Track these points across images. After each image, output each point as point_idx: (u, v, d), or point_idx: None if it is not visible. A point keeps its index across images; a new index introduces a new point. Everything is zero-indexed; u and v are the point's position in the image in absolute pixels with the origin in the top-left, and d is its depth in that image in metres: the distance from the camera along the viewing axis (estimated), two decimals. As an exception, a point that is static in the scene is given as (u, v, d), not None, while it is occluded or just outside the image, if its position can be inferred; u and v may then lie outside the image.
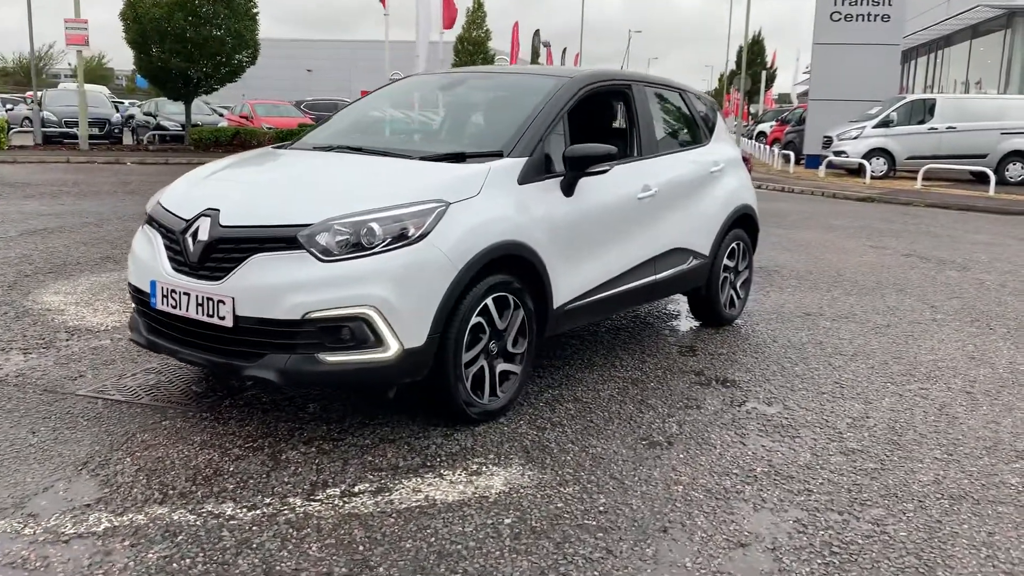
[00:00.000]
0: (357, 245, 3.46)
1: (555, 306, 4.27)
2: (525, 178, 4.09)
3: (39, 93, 23.93)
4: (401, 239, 3.51)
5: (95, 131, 22.16)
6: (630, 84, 5.12)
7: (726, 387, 4.67)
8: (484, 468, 3.47)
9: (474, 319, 3.76)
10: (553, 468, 3.50)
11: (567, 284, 4.34)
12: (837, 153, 21.10)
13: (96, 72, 72.52)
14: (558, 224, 4.22)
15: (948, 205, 15.76)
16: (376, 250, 3.46)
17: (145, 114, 25.26)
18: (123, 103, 35.23)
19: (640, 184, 4.90)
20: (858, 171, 20.53)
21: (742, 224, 6.05)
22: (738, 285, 6.13)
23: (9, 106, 26.31)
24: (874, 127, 20.71)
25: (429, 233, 3.56)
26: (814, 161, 22.81)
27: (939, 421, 4.26)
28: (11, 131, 21.65)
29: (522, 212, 4.02)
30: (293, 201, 3.68)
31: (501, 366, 4.00)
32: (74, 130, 21.37)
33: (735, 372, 4.96)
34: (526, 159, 4.12)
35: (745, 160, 6.32)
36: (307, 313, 3.39)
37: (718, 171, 5.77)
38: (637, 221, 4.88)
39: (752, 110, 58.00)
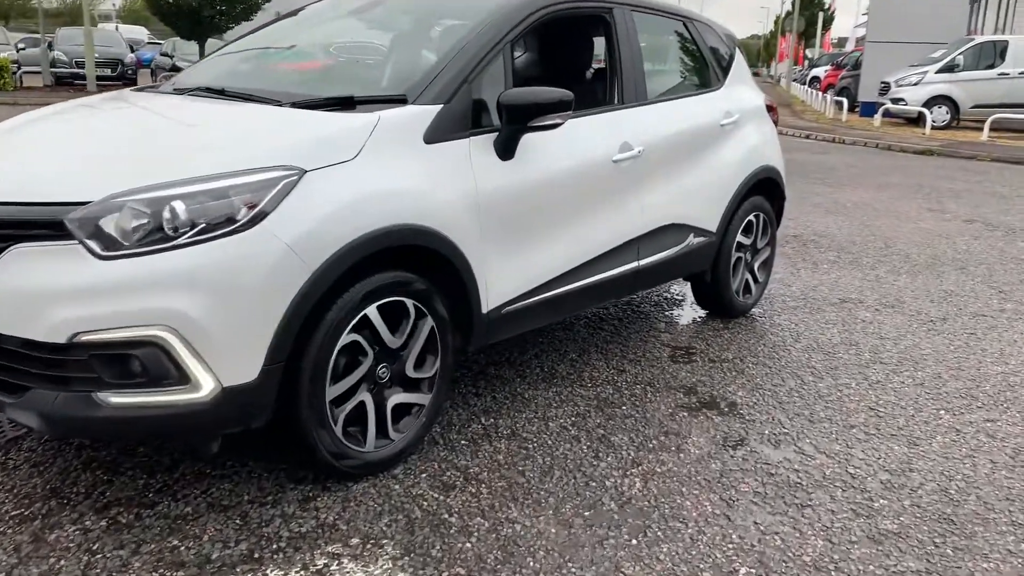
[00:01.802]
0: (157, 233, 2.35)
1: (486, 309, 3.13)
2: (438, 134, 2.93)
3: (56, 32, 23.05)
4: (222, 225, 2.39)
5: (107, 72, 21.24)
6: (610, 8, 3.87)
7: (721, 415, 3.50)
8: (334, 565, 2.37)
9: (346, 337, 2.65)
10: (439, 566, 2.39)
11: (505, 279, 3.19)
12: (895, 100, 19.37)
13: (139, 13, 71.74)
14: (490, 198, 3.06)
15: (1019, 160, 14.14)
16: (181, 241, 2.35)
17: (162, 55, 24.27)
18: (160, 43, 34.31)
19: (618, 142, 3.69)
20: (917, 120, 18.82)
21: (763, 191, 4.81)
22: (755, 267, 4.91)
23: (22, 45, 25.48)
24: (937, 72, 18.92)
25: (266, 216, 2.44)
26: (870, 109, 21.07)
27: (1013, 479, 3.06)
28: (21, 71, 20.83)
29: (431, 183, 2.87)
30: (73, 170, 2.57)
31: (397, 397, 2.89)
32: (84, 71, 20.47)
33: (737, 390, 3.78)
34: (440, 107, 2.95)
35: (771, 108, 5.03)
36: (76, 335, 2.30)
37: (732, 123, 4.51)
38: (612, 191, 3.68)
39: (808, 54, 55.26)
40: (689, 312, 5.00)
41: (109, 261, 2.32)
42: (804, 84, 34.83)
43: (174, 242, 2.34)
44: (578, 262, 3.54)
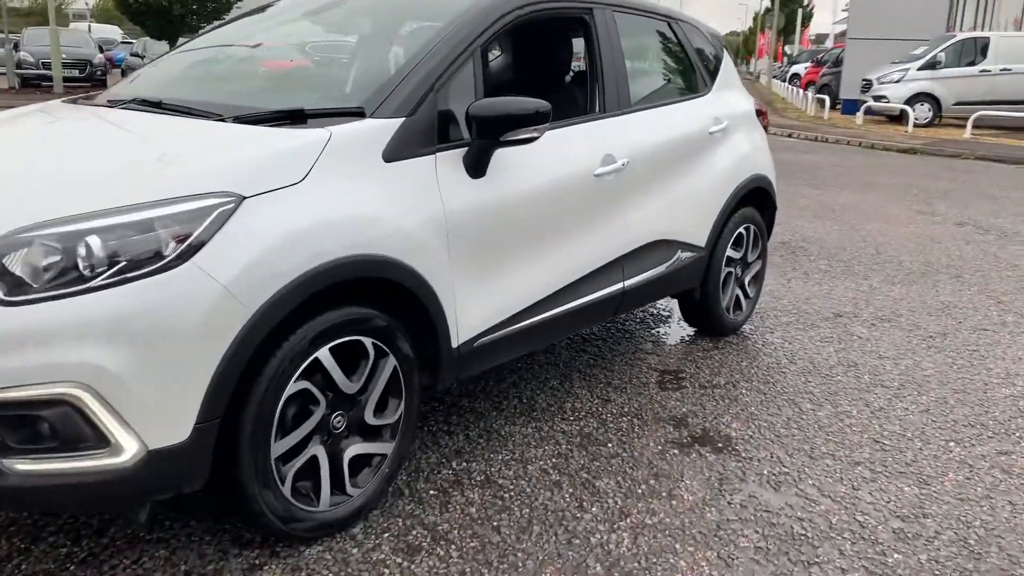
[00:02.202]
0: (70, 273, 2.03)
1: (456, 343, 2.83)
2: (399, 151, 2.62)
3: (23, 32, 22.47)
4: (146, 263, 2.07)
5: (75, 73, 20.71)
6: (590, 8, 3.57)
7: (715, 451, 3.21)
8: (278, 655, 2.06)
9: (294, 385, 2.34)
10: (399, 651, 2.08)
11: (477, 309, 2.89)
12: (877, 98, 19.22)
13: (112, 12, 70.62)
14: (460, 221, 2.76)
15: (1002, 158, 13.97)
16: (98, 283, 2.03)
17: (132, 55, 23.74)
18: (132, 43, 33.68)
19: (600, 154, 3.39)
20: (899, 118, 18.68)
21: (753, 201, 4.52)
22: (746, 281, 4.63)
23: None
24: (919, 69, 18.76)
25: (198, 250, 2.11)
26: (851, 107, 20.92)
27: (1036, 525, 2.79)
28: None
29: (392, 206, 2.56)
30: (-25, 199, 2.23)
31: (355, 448, 2.58)
32: (51, 72, 19.93)
33: (731, 421, 3.49)
34: (402, 121, 2.64)
35: (760, 113, 4.75)
36: (-28, 394, 1.97)
37: (721, 131, 4.22)
38: (594, 208, 3.38)
39: (787, 50, 55.32)
40: (677, 330, 4.70)
41: (13, 307, 1.99)
42: (784, 81, 34.73)
43: (90, 284, 2.02)
44: (558, 286, 3.24)
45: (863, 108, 19.35)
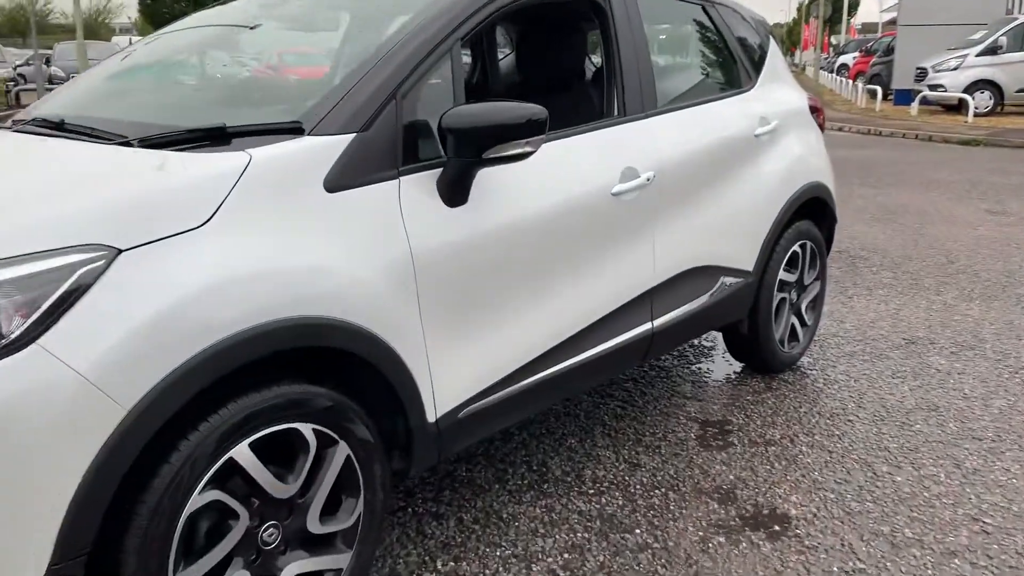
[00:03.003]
0: None
1: (434, 417, 2.22)
2: (348, 176, 2.02)
3: (54, 47, 22.40)
4: (-30, 348, 1.49)
5: (107, 86, 20.46)
6: (604, -10, 2.93)
7: (772, 538, 2.56)
8: None
9: (200, 497, 1.75)
10: None
11: (462, 372, 2.28)
12: (933, 87, 18.19)
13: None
14: (433, 263, 2.15)
15: (1075, 148, 12.95)
16: (-101, 379, 1.46)
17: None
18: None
19: (618, 168, 2.75)
20: (958, 107, 17.64)
21: (809, 213, 3.84)
22: (803, 307, 3.94)
23: (24, 61, 24.90)
24: (978, 55, 17.70)
25: (48, 328, 1.53)
26: (904, 97, 19.89)
27: None
28: (16, 88, 20.21)
29: (337, 251, 1.96)
30: None
31: (297, 567, 1.97)
32: (83, 86, 19.70)
33: (790, 493, 2.83)
34: (351, 138, 2.04)
35: (815, 110, 4.06)
36: None
37: (769, 133, 3.54)
38: (613, 233, 2.74)
39: (833, 41, 53.81)
40: (721, 366, 4.04)
41: None
42: (832, 72, 33.58)
43: None
44: (568, 334, 2.61)
45: (918, 98, 18.33)
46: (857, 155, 12.51)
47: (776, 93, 3.74)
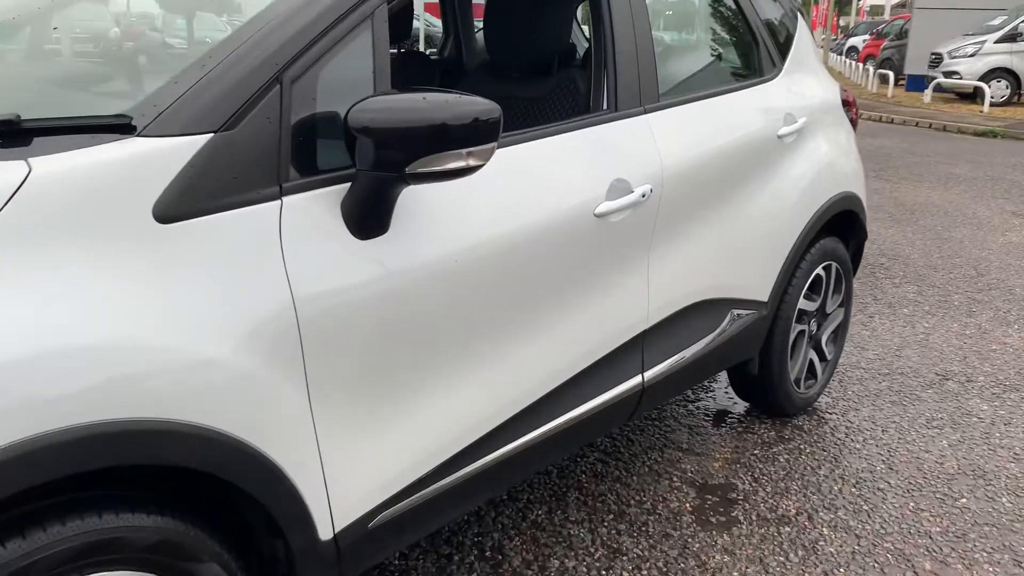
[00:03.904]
0: None
1: (331, 533, 1.58)
2: (194, 199, 1.37)
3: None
4: None
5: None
6: (595, -51, 2.25)
7: None
8: None
9: None
10: None
11: (374, 468, 1.66)
12: (948, 74, 17.44)
13: None
14: (329, 318, 1.51)
15: (1100, 144, 12.27)
16: None
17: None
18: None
19: (605, 180, 2.10)
20: (973, 96, 16.91)
21: (838, 228, 3.20)
22: (823, 339, 3.30)
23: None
24: (996, 42, 16.93)
25: None
26: (918, 83, 19.13)
27: None
28: None
29: (170, 317, 1.31)
30: None
31: None
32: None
33: (812, 604, 2.20)
34: (206, 141, 1.38)
35: (847, 104, 3.39)
36: None
37: (795, 132, 2.88)
38: (595, 265, 2.10)
39: (842, 23, 52.87)
40: (724, 403, 3.40)
41: None
42: (840, 54, 32.74)
43: None
44: (528, 401, 1.98)
45: (932, 85, 17.58)
46: (869, 144, 11.82)
47: (804, 83, 3.07)
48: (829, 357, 3.38)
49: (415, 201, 1.65)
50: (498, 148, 1.79)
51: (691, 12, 2.97)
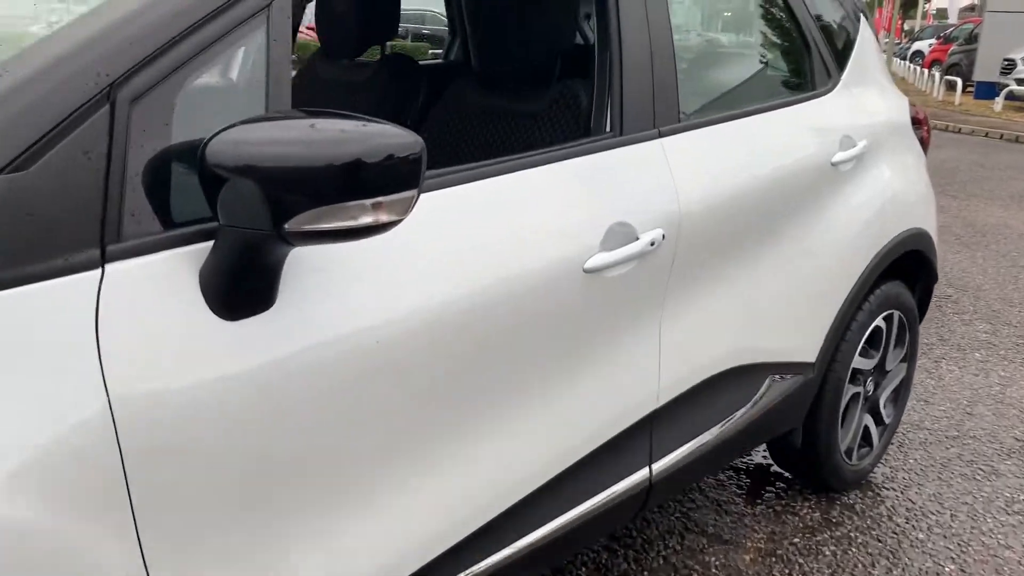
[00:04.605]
0: None
1: None
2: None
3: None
4: None
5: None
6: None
7: None
8: None
9: None
10: None
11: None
12: (1021, 81, 16.51)
13: None
14: (177, 442, 1.06)
15: None
16: None
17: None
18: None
19: (602, 224, 1.62)
20: (1048, 105, 15.97)
21: (902, 271, 2.66)
22: (882, 401, 2.78)
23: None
24: (1075, 47, 15.98)
25: None
26: (988, 90, 18.17)
27: None
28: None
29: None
30: None
31: None
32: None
33: None
34: (-21, 191, 0.93)
35: (917, 122, 2.85)
36: None
37: (853, 159, 2.36)
38: (584, 336, 1.64)
39: (906, 27, 51.34)
40: (759, 470, 2.89)
41: None
42: (904, 59, 31.61)
43: None
44: (485, 518, 1.50)
45: (1003, 92, 16.65)
46: (934, 156, 11.06)
47: (865, 98, 2.55)
48: (887, 421, 2.85)
49: (316, 258, 1.20)
50: (455, 184, 1.34)
51: (725, 10, 2.47)
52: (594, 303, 1.62)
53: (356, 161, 1.03)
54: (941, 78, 19.81)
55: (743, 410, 2.10)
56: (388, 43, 2.79)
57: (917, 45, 33.44)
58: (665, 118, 1.82)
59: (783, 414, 2.30)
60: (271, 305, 1.15)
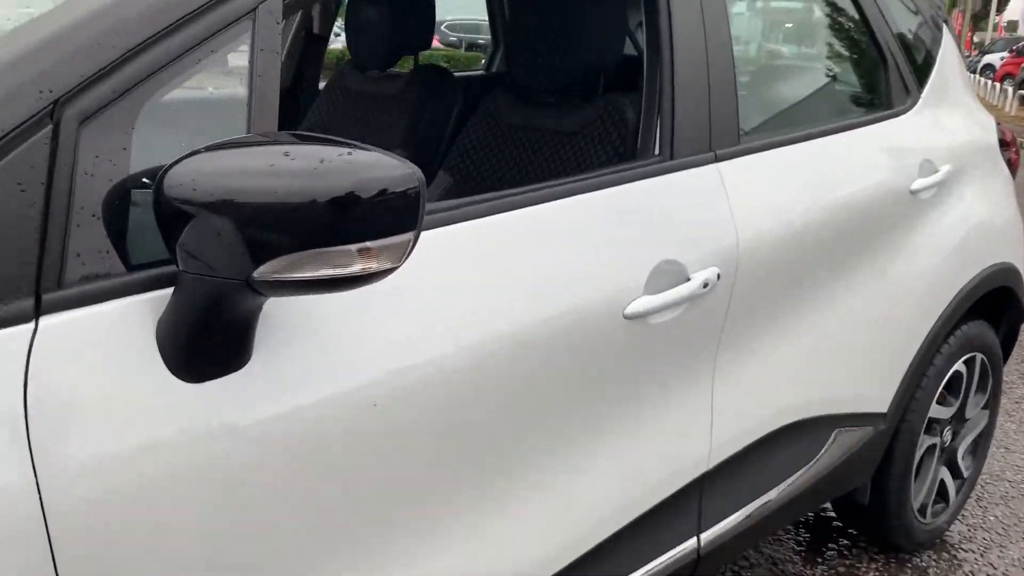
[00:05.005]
0: None
1: None
2: None
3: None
4: None
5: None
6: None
7: None
8: None
9: None
10: None
11: None
12: (1100, 96, 15.80)
13: None
14: (111, 522, 0.88)
15: None
16: None
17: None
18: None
19: (647, 263, 1.41)
20: None
21: (986, 308, 2.39)
22: (960, 452, 2.51)
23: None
24: None
25: None
26: (1064, 106, 17.44)
27: None
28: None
29: None
30: None
31: None
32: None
33: None
34: None
35: (1004, 143, 2.58)
36: None
37: (934, 187, 2.10)
38: (624, 391, 1.41)
39: (976, 39, 49.96)
40: (822, 523, 2.63)
41: None
42: (975, 73, 30.70)
43: None
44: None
45: (1080, 108, 15.96)
46: (1008, 175, 10.57)
47: (949, 117, 2.29)
48: (966, 474, 2.57)
49: (300, 303, 1.02)
50: (472, 217, 1.15)
51: (792, 19, 2.24)
52: (636, 354, 1.41)
53: (340, 198, 0.85)
54: (1014, 93, 19.10)
55: (804, 470, 1.86)
56: (429, 51, 2.61)
57: (988, 58, 32.53)
58: (723, 139, 1.60)
59: (850, 471, 2.05)
60: (244, 363, 0.97)
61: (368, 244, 0.87)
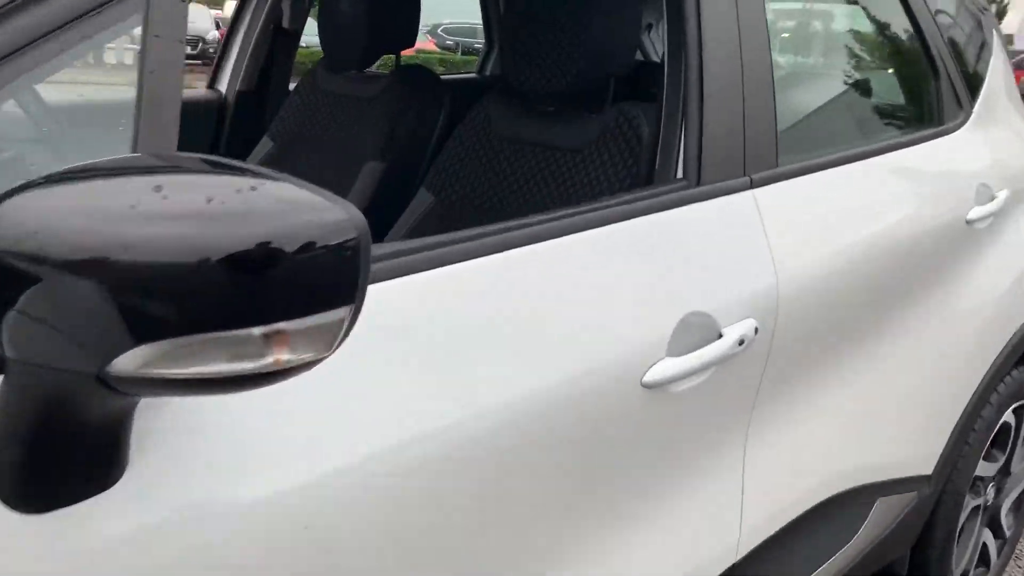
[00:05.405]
0: None
1: None
2: None
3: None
4: None
5: (187, 50, 19.60)
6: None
7: None
8: None
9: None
10: None
11: None
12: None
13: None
14: None
15: None
16: None
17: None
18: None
19: (669, 317, 1.13)
20: None
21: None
22: (1003, 510, 2.23)
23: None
24: None
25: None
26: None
27: None
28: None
29: None
30: None
31: None
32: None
33: None
34: None
35: None
36: None
37: (990, 217, 1.82)
38: (639, 473, 1.13)
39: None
40: None
41: None
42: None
43: None
44: None
45: (1083, 123, 15.75)
46: None
47: (1003, 134, 2.01)
48: (1008, 534, 2.29)
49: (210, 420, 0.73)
50: (446, 263, 0.86)
51: (835, 25, 1.97)
52: (654, 429, 1.13)
53: (238, 255, 0.55)
54: (1014, 106, 18.92)
55: (843, 551, 1.58)
56: (424, 54, 2.33)
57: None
58: (760, 163, 1.31)
59: (889, 544, 1.76)
60: (116, 479, 0.68)
61: (281, 326, 0.58)
